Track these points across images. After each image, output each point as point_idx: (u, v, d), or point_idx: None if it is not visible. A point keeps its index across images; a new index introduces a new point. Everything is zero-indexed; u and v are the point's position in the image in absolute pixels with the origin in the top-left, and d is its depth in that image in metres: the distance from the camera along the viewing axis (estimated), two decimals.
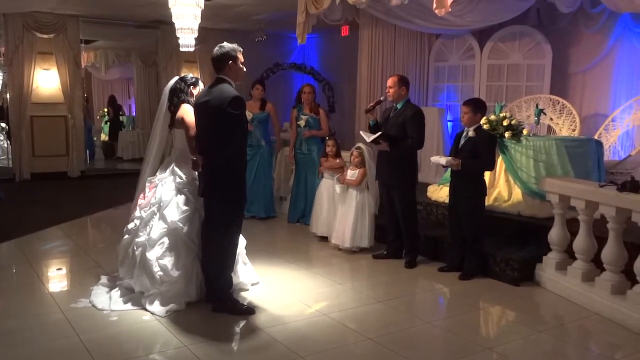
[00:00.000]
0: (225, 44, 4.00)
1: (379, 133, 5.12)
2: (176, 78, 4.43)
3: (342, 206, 5.76)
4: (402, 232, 5.37)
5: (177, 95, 4.31)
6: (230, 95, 3.82)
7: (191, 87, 4.34)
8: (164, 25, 10.51)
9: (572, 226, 4.73)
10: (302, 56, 12.69)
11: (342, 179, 5.85)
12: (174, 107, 4.30)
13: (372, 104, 5.38)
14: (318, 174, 6.40)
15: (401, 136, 5.15)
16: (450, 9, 5.26)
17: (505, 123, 5.82)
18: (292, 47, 12.49)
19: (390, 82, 5.28)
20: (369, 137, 5.16)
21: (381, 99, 5.41)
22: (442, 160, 5.01)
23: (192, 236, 4.16)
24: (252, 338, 3.66)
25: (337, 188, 5.81)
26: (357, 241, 5.65)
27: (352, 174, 5.78)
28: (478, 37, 8.60)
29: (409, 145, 5.16)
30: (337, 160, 6.14)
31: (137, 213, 4.35)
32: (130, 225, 4.33)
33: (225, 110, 3.77)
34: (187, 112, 4.22)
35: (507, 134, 5.78)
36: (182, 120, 4.21)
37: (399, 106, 5.30)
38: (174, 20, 6.46)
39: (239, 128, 3.88)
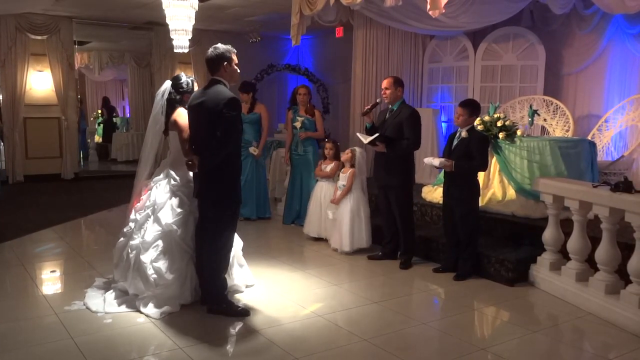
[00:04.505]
0: (219, 45, 4.00)
1: (376, 135, 5.12)
2: (169, 84, 4.36)
3: (336, 211, 5.79)
4: (399, 233, 5.37)
5: (172, 106, 4.29)
6: (226, 96, 3.82)
7: (185, 94, 4.31)
8: (158, 26, 10.50)
9: (566, 226, 4.75)
10: (297, 57, 12.70)
11: (334, 200, 5.85)
12: (168, 115, 4.29)
13: (368, 107, 5.37)
14: (315, 176, 6.43)
15: (398, 137, 5.16)
16: (444, 10, 5.26)
17: (499, 124, 5.85)
18: (287, 48, 12.49)
19: (386, 83, 5.28)
20: (366, 139, 5.16)
21: (377, 101, 5.41)
22: (436, 161, 5.01)
23: (186, 239, 4.15)
24: (247, 340, 3.66)
25: (330, 214, 5.83)
26: (355, 243, 5.68)
27: (344, 177, 5.81)
28: (472, 38, 8.63)
29: (405, 147, 5.17)
30: (328, 170, 6.14)
31: (132, 216, 4.33)
32: (126, 228, 4.32)
33: (221, 111, 3.77)
34: (180, 114, 4.22)
35: (501, 135, 5.80)
36: (175, 123, 4.22)
37: (394, 107, 5.30)
38: (168, 21, 6.45)
39: (235, 129, 3.88)
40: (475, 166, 4.95)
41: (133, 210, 4.36)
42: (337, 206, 5.79)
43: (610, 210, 4.01)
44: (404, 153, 5.22)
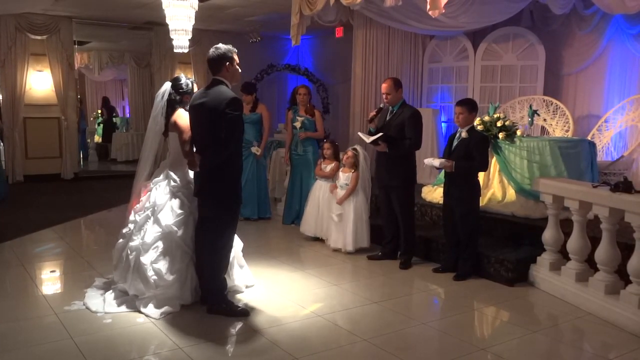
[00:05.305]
0: (220, 45, 4.00)
1: (379, 134, 5.13)
2: (169, 85, 4.36)
3: (342, 212, 5.78)
4: (401, 233, 5.38)
5: (172, 107, 4.29)
6: (228, 97, 3.82)
7: (185, 95, 4.31)
8: (158, 26, 10.50)
9: (565, 227, 4.75)
10: (297, 57, 12.71)
11: (332, 189, 5.88)
12: (167, 116, 4.29)
13: (374, 113, 5.36)
14: (315, 175, 6.43)
15: (400, 137, 5.16)
16: (444, 10, 5.27)
17: (499, 124, 5.85)
18: (287, 48, 12.50)
19: (386, 88, 5.24)
20: (368, 139, 5.17)
21: (381, 106, 5.39)
22: (436, 162, 5.01)
23: (186, 240, 4.14)
24: (247, 340, 3.66)
25: (334, 217, 5.77)
26: (358, 243, 5.70)
27: (345, 177, 5.79)
28: (472, 38, 8.63)
29: (407, 146, 5.17)
30: (328, 170, 6.14)
31: (131, 217, 4.33)
32: (125, 229, 4.31)
33: (224, 111, 3.77)
34: (180, 116, 4.22)
35: (501, 135, 5.80)
36: (175, 124, 4.22)
37: (395, 108, 5.30)
38: (167, 21, 6.45)
39: (237, 129, 3.88)
40: (476, 166, 4.95)
41: (132, 212, 4.35)
42: (341, 207, 5.77)
43: (610, 210, 4.01)
44: (405, 153, 5.22)
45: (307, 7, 7.06)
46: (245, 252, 4.68)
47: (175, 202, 4.19)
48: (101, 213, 7.76)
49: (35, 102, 10.30)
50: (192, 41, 7.08)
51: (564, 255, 4.70)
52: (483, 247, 5.12)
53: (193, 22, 6.52)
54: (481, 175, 5.63)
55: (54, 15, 10.02)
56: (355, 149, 5.88)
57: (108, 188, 9.88)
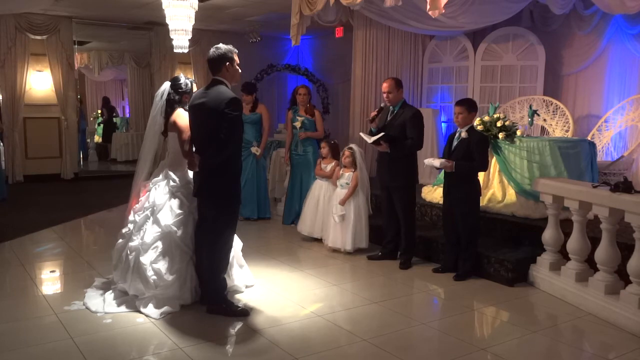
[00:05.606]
0: (221, 45, 4.00)
1: (381, 134, 5.14)
2: (168, 84, 4.37)
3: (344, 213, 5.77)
4: (402, 233, 5.38)
5: (171, 106, 4.29)
6: (227, 97, 3.82)
7: (184, 95, 4.31)
8: (158, 26, 10.50)
9: (565, 227, 4.75)
10: (297, 57, 12.71)
11: (333, 181, 5.88)
12: (167, 116, 4.29)
13: (375, 113, 5.37)
14: (315, 175, 6.44)
15: (401, 137, 5.17)
16: (443, 11, 5.27)
17: (499, 124, 5.85)
18: (286, 48, 12.50)
19: (387, 87, 5.25)
20: (370, 139, 5.17)
21: (382, 106, 5.40)
22: (436, 162, 5.01)
23: (186, 240, 4.15)
24: (247, 340, 3.66)
25: (336, 218, 5.72)
26: (357, 243, 5.70)
27: (346, 176, 5.79)
28: (472, 39, 8.64)
29: (409, 146, 5.17)
30: (328, 169, 6.15)
31: (130, 217, 4.33)
32: (124, 230, 4.31)
33: (223, 111, 3.77)
34: (180, 115, 4.22)
35: (500, 135, 5.80)
36: (174, 124, 4.22)
37: (396, 108, 5.30)
38: (167, 21, 6.46)
39: (236, 129, 3.88)
40: (476, 167, 4.95)
41: (132, 212, 4.35)
42: (343, 207, 5.76)
43: (610, 210, 4.01)
44: (407, 153, 5.22)
45: (307, 7, 7.06)
46: (245, 252, 4.68)
47: (175, 202, 4.19)
48: (101, 213, 7.77)
49: (35, 102, 10.31)
50: (192, 41, 7.08)
51: (564, 255, 4.70)
52: (483, 247, 5.12)
53: (193, 22, 6.52)
54: (481, 175, 5.63)
55: (54, 15, 10.02)
56: (351, 148, 5.88)
57: (108, 188, 9.88)
